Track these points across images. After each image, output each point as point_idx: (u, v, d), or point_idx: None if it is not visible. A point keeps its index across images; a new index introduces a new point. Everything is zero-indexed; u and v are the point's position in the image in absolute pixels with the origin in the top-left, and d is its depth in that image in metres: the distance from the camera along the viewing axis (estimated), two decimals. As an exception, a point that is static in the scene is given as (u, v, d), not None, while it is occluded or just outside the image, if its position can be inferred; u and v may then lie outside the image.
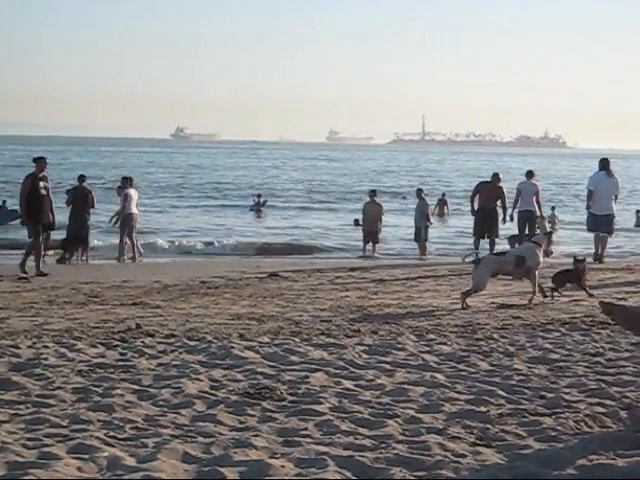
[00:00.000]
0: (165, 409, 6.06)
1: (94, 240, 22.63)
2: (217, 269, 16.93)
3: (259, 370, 7.20)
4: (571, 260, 12.64)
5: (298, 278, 15.01)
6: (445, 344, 8.47)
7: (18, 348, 8.06)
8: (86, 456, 4.93)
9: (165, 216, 35.38)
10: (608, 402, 6.19)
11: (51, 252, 18.82)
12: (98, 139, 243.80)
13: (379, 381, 6.89)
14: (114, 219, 21.68)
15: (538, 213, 19.68)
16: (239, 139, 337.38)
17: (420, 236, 22.22)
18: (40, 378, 6.92)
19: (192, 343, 8.42)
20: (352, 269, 16.77)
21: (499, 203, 19.38)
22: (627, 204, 38.49)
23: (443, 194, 38.06)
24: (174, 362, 7.54)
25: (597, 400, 6.25)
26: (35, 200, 15.88)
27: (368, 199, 23.60)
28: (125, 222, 20.08)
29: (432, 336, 8.90)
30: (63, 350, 8.01)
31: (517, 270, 11.46)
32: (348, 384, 6.78)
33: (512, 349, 8.21)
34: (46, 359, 7.60)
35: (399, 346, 8.31)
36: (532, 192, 19.25)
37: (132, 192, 20.31)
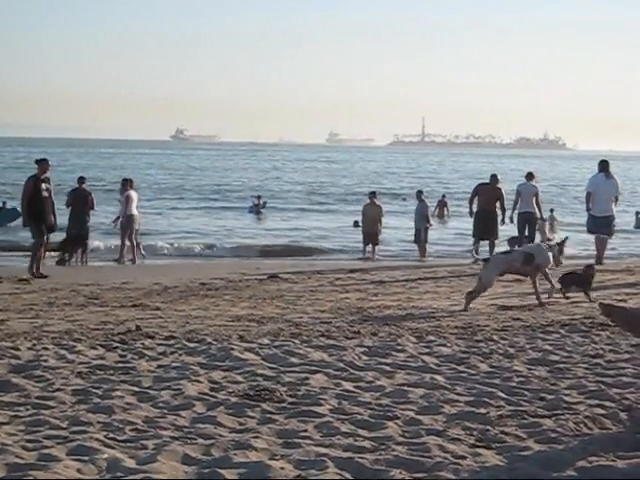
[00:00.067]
0: (165, 411, 6.06)
1: (94, 242, 22.67)
2: (217, 271, 16.94)
3: (259, 372, 7.20)
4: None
5: (298, 280, 15.02)
6: (445, 346, 8.47)
7: (18, 350, 8.06)
8: (86, 458, 4.93)
9: (165, 218, 35.40)
10: (608, 404, 6.19)
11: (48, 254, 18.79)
12: (98, 141, 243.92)
13: (379, 383, 6.89)
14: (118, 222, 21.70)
15: (538, 215, 19.70)
16: (239, 140, 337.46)
17: (420, 238, 22.24)
18: (40, 380, 6.92)
19: (192, 345, 8.42)
20: (352, 271, 16.77)
21: (498, 205, 19.41)
22: (627, 205, 38.53)
23: (443, 196, 38.10)
24: (174, 364, 7.54)
25: (597, 402, 6.25)
26: (37, 202, 15.88)
27: (368, 201, 23.62)
28: (126, 224, 20.10)
29: (432, 338, 8.90)
30: (63, 352, 8.01)
31: (526, 267, 11.42)
32: (348, 386, 6.78)
33: (512, 351, 8.21)
34: (46, 361, 7.60)
35: (399, 348, 8.31)
36: (532, 194, 19.26)
37: (133, 194, 20.34)
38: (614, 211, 17.57)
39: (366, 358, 7.85)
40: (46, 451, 5.05)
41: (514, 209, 19.37)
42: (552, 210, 30.86)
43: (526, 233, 19.13)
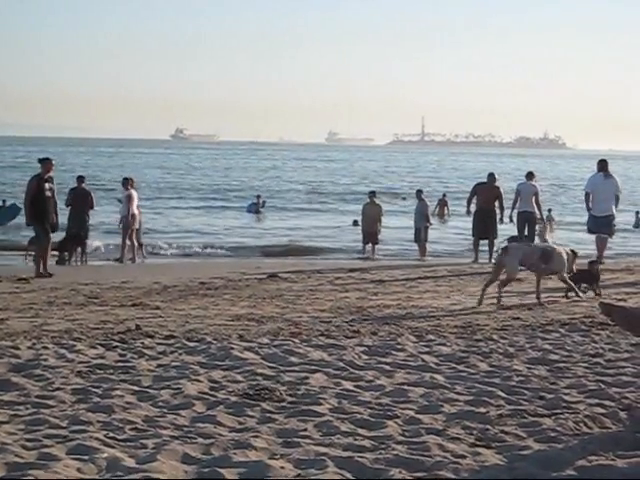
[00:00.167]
0: (165, 410, 6.05)
1: (94, 241, 22.67)
2: (216, 270, 16.93)
3: (259, 371, 7.20)
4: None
5: (297, 279, 15.02)
6: (445, 345, 8.47)
7: (18, 349, 8.06)
8: (86, 457, 4.93)
9: (164, 217, 35.38)
10: (608, 403, 6.19)
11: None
12: (98, 140, 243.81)
13: (379, 382, 6.89)
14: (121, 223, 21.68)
15: (538, 215, 19.70)
16: (239, 140, 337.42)
17: (420, 237, 22.24)
18: (40, 379, 6.92)
19: (192, 344, 8.42)
20: (351, 270, 16.77)
21: (497, 204, 19.42)
22: (627, 204, 38.50)
23: (444, 195, 38.08)
24: (174, 363, 7.54)
25: (597, 401, 6.25)
26: (40, 202, 15.89)
27: (368, 200, 23.62)
28: (127, 223, 20.10)
29: (432, 337, 8.91)
30: (63, 351, 8.01)
31: (540, 264, 11.41)
32: (348, 385, 6.78)
33: (512, 350, 8.21)
34: (46, 360, 7.59)
35: (399, 347, 8.31)
36: (531, 193, 19.25)
37: (134, 193, 20.34)
38: (614, 210, 17.53)
39: (366, 357, 7.85)
40: (46, 450, 5.05)
41: (513, 208, 19.38)
42: (550, 210, 30.85)
43: (525, 232, 19.13)
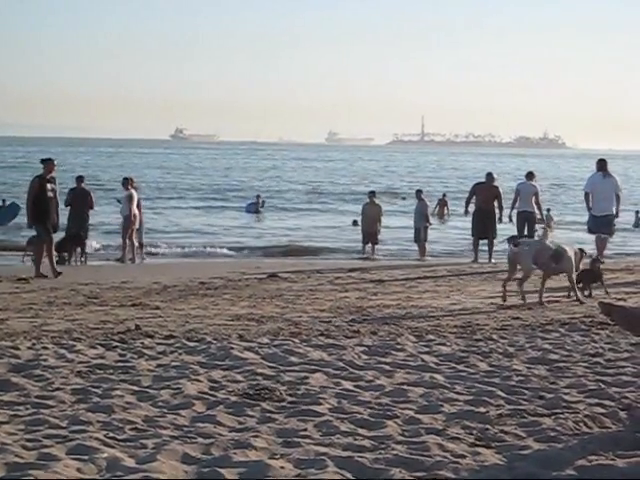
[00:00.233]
0: (165, 410, 6.06)
1: (94, 241, 22.67)
2: (216, 270, 16.93)
3: (258, 371, 7.20)
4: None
5: (297, 279, 15.02)
6: (444, 345, 8.47)
7: (17, 349, 8.06)
8: (86, 457, 4.93)
9: (164, 217, 35.38)
10: (607, 402, 6.19)
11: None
12: (98, 140, 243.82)
13: (378, 382, 6.90)
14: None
15: (537, 214, 19.70)
16: (238, 140, 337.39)
17: (420, 237, 22.24)
18: (39, 379, 6.92)
19: (191, 344, 8.42)
20: (351, 270, 16.77)
21: (496, 203, 19.43)
22: (627, 203, 38.48)
23: (444, 195, 38.08)
24: (173, 363, 7.54)
25: (596, 400, 6.25)
26: (42, 202, 15.88)
27: (367, 200, 23.61)
28: (127, 223, 20.09)
29: (431, 337, 8.91)
30: (62, 351, 8.01)
31: (550, 264, 11.42)
32: (347, 385, 6.78)
33: (511, 350, 8.21)
34: (45, 360, 7.60)
35: (398, 347, 8.31)
36: (531, 193, 19.25)
37: (134, 193, 20.33)
38: (615, 210, 17.49)
39: (365, 357, 7.85)
40: (46, 450, 5.05)
41: (512, 208, 19.38)
42: (549, 210, 30.85)
43: (525, 232, 19.12)
